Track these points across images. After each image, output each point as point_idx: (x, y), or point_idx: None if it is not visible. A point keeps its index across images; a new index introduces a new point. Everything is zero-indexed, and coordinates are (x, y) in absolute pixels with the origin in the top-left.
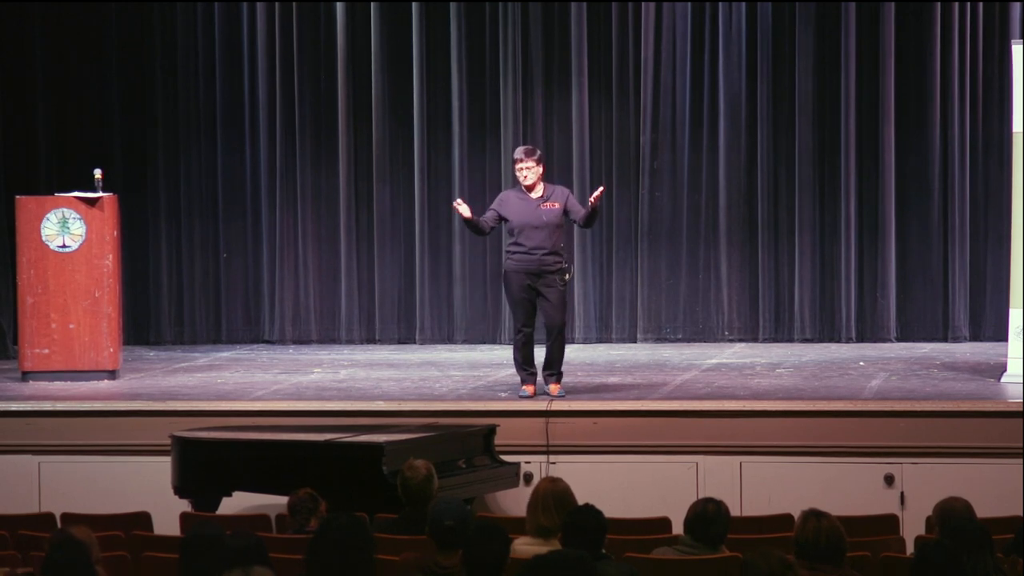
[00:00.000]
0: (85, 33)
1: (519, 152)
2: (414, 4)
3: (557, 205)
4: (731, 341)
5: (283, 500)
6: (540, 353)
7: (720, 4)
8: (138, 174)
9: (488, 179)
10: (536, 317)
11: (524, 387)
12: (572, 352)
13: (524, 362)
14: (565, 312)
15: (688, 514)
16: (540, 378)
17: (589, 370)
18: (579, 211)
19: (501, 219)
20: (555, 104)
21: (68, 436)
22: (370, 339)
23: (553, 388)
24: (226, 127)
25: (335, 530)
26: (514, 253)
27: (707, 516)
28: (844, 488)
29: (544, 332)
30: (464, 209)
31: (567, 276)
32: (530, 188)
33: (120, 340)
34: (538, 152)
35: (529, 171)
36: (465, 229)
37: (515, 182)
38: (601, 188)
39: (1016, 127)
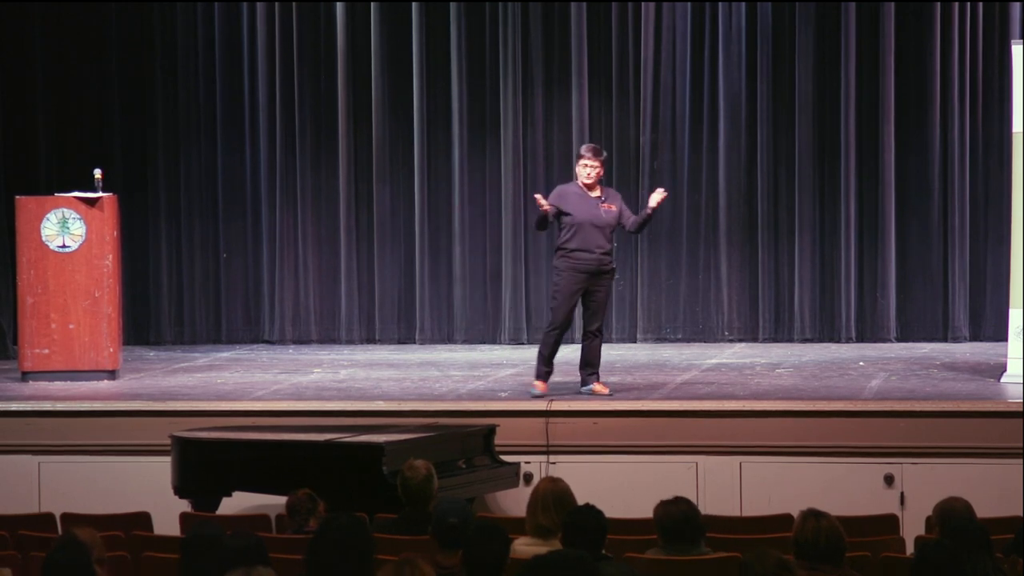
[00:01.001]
0: (85, 33)
1: (586, 150)
2: (414, 4)
3: (614, 208)
4: (731, 341)
5: (283, 500)
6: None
7: (720, 4)
8: (138, 174)
9: (488, 179)
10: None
11: (538, 384)
12: (572, 352)
13: (549, 358)
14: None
15: (658, 522)
16: (579, 378)
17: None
18: (630, 216)
19: (560, 213)
20: (555, 104)
21: (68, 436)
22: (370, 339)
23: (603, 388)
24: (226, 127)
25: (335, 530)
26: (573, 251)
27: (682, 518)
28: (844, 488)
29: (565, 333)
30: (545, 203)
31: (615, 275)
32: (589, 187)
33: (120, 340)
34: (604, 154)
35: (593, 170)
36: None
37: (572, 178)
38: (662, 191)
39: (1016, 127)
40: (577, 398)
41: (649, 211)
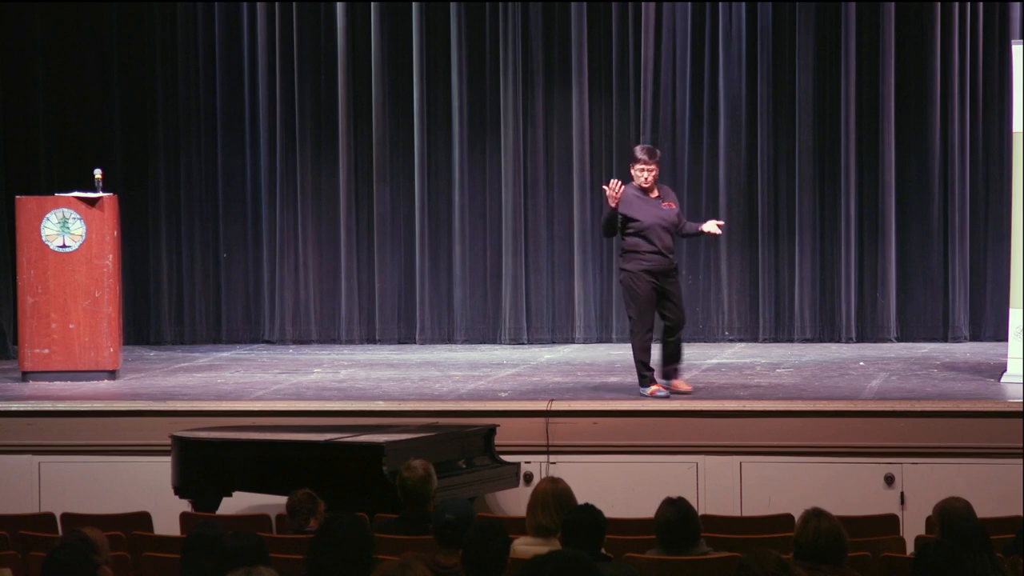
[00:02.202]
0: (85, 33)
1: (642, 153)
2: (414, 4)
3: (674, 205)
4: (731, 341)
5: (283, 500)
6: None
7: (720, 4)
8: (138, 174)
9: (488, 179)
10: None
11: (654, 388)
12: (572, 352)
13: (649, 362)
14: None
15: (658, 522)
16: (659, 375)
17: (589, 370)
18: (683, 220)
19: (626, 220)
20: (555, 104)
21: (68, 436)
22: (370, 339)
23: (684, 385)
24: (226, 127)
25: (335, 530)
26: (644, 253)
27: (678, 519)
28: (844, 488)
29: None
30: (616, 192)
31: (682, 271)
32: (647, 189)
33: (120, 340)
34: (658, 154)
35: (650, 173)
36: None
37: (629, 180)
38: (719, 224)
39: (1016, 127)
40: (577, 398)
41: (699, 230)
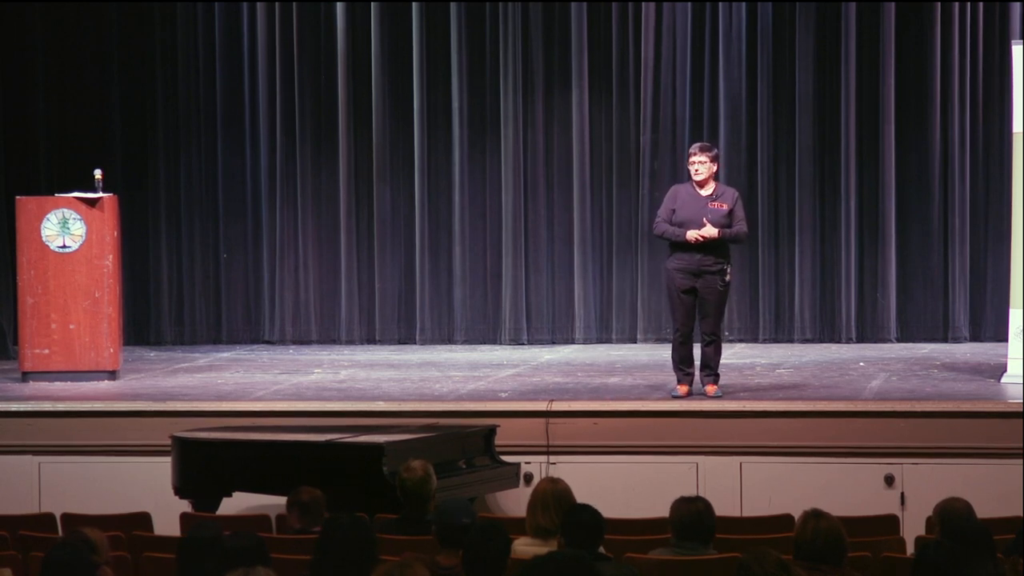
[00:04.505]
0: (85, 33)
1: (694, 147)
2: (414, 4)
3: (725, 206)
4: (731, 341)
5: (283, 500)
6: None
7: (720, 4)
8: (138, 174)
9: (488, 179)
10: (695, 316)
11: (678, 387)
12: (572, 352)
13: (681, 362)
14: (723, 312)
15: (674, 517)
16: (697, 378)
17: (589, 370)
18: (734, 224)
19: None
20: (555, 104)
21: (68, 436)
22: (370, 339)
23: (710, 388)
24: (226, 127)
25: (337, 530)
26: (675, 250)
27: (697, 516)
28: (844, 488)
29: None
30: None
31: (727, 277)
32: (701, 184)
33: (120, 340)
34: (714, 150)
35: (701, 165)
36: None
37: (687, 177)
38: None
39: (1016, 127)
40: (577, 398)
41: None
